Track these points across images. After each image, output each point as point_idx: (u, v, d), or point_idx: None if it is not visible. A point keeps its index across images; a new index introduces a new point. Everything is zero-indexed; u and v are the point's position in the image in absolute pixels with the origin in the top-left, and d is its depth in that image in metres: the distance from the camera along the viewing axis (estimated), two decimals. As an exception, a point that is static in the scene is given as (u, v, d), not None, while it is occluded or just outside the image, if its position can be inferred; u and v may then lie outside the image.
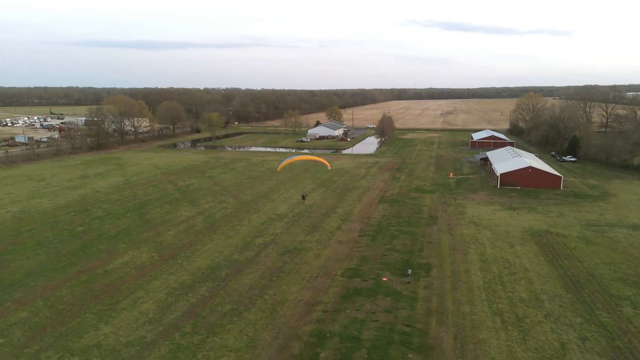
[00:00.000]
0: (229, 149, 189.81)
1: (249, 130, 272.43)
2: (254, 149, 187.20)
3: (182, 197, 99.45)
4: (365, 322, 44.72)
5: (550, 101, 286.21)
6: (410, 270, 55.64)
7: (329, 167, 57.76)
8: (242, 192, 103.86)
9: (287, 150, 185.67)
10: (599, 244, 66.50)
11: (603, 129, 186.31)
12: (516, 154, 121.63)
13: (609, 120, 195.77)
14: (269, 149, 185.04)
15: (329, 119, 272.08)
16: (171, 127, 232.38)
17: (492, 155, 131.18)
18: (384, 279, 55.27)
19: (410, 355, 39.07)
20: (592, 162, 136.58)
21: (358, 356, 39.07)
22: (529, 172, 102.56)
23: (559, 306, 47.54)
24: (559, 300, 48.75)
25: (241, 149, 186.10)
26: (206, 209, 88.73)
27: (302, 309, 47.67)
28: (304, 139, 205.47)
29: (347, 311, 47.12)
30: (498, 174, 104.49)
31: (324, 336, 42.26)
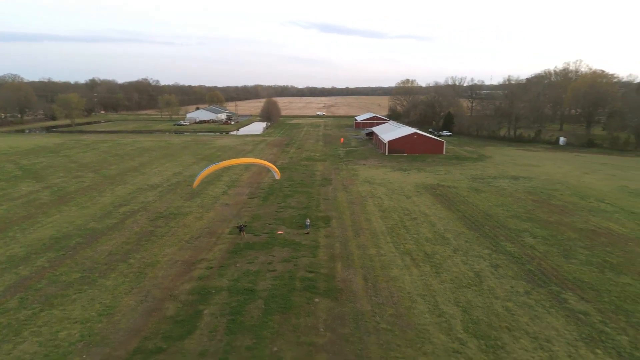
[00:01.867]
0: (92, 134, 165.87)
1: (118, 118, 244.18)
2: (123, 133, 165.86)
3: (24, 174, 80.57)
4: (260, 273, 36.64)
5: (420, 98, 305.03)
6: (308, 221, 48.85)
7: (278, 176, 43.69)
8: (105, 167, 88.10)
9: (165, 133, 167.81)
10: (487, 191, 67.06)
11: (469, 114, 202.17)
12: (400, 126, 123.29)
13: (473, 106, 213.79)
14: (142, 133, 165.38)
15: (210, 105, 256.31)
16: (19, 115, 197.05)
17: (378, 129, 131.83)
18: (280, 232, 47.70)
19: (317, 300, 32.05)
20: (466, 136, 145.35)
21: (254, 307, 30.87)
22: (414, 139, 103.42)
23: (465, 242, 44.65)
24: (464, 237, 45.97)
25: (107, 133, 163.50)
26: (56, 184, 72.29)
27: (179, 269, 37.86)
28: (182, 122, 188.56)
29: (237, 265, 38.53)
30: (386, 142, 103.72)
31: (208, 292, 33.24)
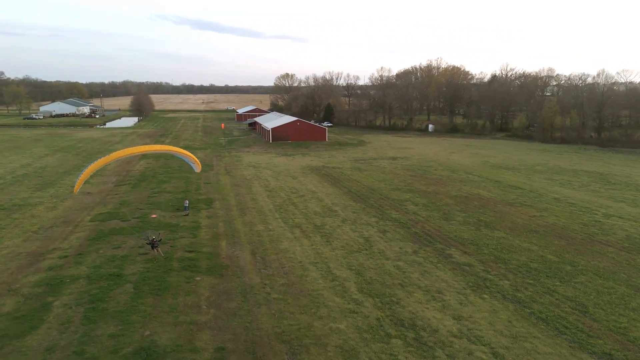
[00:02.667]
0: None
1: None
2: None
3: None
4: (129, 257, 31.39)
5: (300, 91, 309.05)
6: (187, 202, 44.11)
7: (199, 168, 33.25)
8: None
9: (11, 128, 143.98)
10: (369, 170, 68.58)
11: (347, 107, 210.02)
12: (283, 115, 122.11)
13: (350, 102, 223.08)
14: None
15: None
16: None
17: (261, 118, 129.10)
18: (153, 215, 42.24)
19: (198, 278, 28.17)
20: (345, 126, 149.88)
21: (120, 292, 25.89)
22: (297, 126, 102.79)
23: (352, 212, 44.18)
24: (351, 209, 45.54)
25: None
26: None
27: (22, 261, 30.74)
28: (34, 115, 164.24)
29: (100, 251, 32.66)
30: (269, 129, 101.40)
31: (61, 282, 27.24)
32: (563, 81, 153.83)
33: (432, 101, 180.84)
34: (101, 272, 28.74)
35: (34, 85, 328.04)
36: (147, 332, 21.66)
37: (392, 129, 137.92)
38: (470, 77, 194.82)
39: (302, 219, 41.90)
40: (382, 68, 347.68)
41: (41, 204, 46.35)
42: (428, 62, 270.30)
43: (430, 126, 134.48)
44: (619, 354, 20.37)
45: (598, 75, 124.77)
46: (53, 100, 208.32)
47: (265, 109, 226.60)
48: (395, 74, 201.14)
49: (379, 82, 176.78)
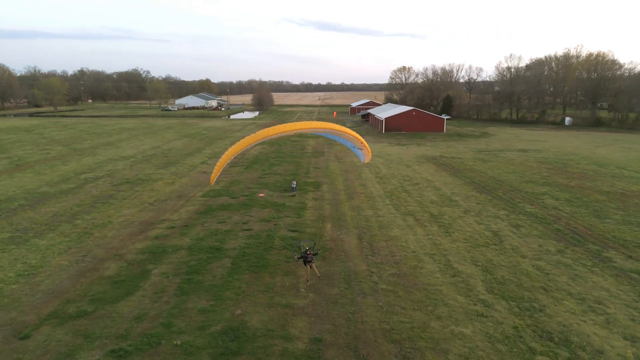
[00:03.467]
0: (73, 118, 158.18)
1: (105, 106, 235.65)
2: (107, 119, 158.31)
3: (-12, 147, 73.57)
4: (232, 232, 30.04)
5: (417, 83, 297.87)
6: (294, 182, 42.25)
7: (368, 157, 24.78)
8: (77, 142, 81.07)
9: (150, 117, 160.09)
10: (495, 161, 60.76)
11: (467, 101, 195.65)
12: (397, 106, 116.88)
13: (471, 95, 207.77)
14: (126, 118, 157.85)
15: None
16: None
17: (374, 110, 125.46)
18: (261, 194, 41.10)
19: (298, 258, 25.50)
20: (465, 119, 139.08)
21: (218, 266, 24.28)
22: (412, 115, 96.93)
23: (476, 204, 38.26)
24: (474, 200, 39.58)
25: (90, 117, 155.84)
26: (17, 155, 65.34)
27: (133, 229, 31.15)
28: (169, 107, 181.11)
29: (205, 224, 31.90)
30: (382, 119, 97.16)
31: (163, 251, 26.60)
32: None
33: (569, 94, 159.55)
34: (203, 244, 27.62)
35: (173, 83, 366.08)
36: (239, 311, 19.35)
37: (521, 122, 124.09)
38: (617, 66, 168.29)
39: (416, 207, 37.27)
40: (510, 56, 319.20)
41: (161, 179, 48.28)
42: (565, 50, 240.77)
43: (568, 119, 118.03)
44: None
45: None
46: (187, 95, 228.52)
47: (380, 102, 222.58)
48: (525, 64, 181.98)
49: (506, 72, 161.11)
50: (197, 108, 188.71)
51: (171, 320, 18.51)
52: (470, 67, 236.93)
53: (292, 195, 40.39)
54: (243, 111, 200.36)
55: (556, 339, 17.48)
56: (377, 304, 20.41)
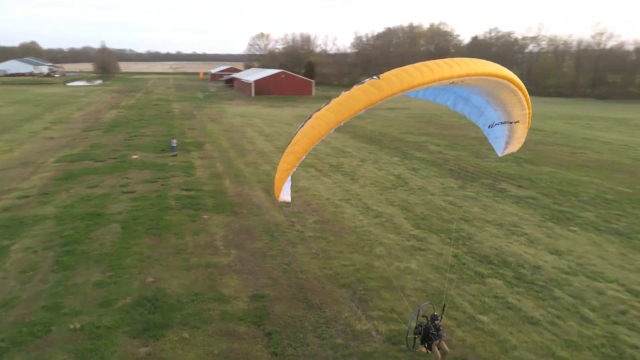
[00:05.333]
0: None
1: None
2: None
3: None
4: (111, 196, 24.62)
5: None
6: (174, 141, 37.08)
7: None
8: None
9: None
10: (371, 118, 62.29)
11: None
12: (264, 69, 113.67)
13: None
14: None
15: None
16: None
17: (240, 74, 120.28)
18: (134, 156, 35.11)
19: (206, 216, 21.81)
20: (327, 85, 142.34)
21: (105, 233, 19.34)
22: (282, 78, 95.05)
23: (369, 153, 38.34)
24: (366, 150, 39.67)
25: None
26: None
27: (-33, 203, 23.52)
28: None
29: (72, 190, 25.67)
30: (251, 82, 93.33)
31: (20, 223, 20.37)
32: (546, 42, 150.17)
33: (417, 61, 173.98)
34: (75, 211, 21.93)
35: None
36: (150, 279, 15.33)
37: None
38: (451, 37, 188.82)
39: (314, 159, 35.66)
40: (364, 25, 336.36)
41: (-7, 148, 38.31)
42: (409, 24, 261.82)
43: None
44: None
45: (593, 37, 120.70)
46: (6, 59, 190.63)
47: (241, 69, 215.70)
48: (376, 34, 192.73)
49: (359, 43, 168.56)
50: (24, 75, 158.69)
51: (58, 301, 13.72)
52: (326, 36, 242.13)
53: (174, 155, 35.34)
54: (83, 78, 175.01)
55: (495, 261, 17.46)
56: (310, 251, 18.21)
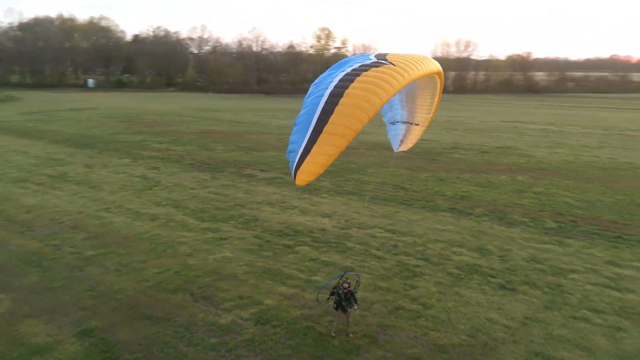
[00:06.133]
0: None
1: None
2: None
3: None
4: None
5: None
6: None
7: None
8: None
9: None
10: (56, 121, 53.71)
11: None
12: None
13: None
14: None
15: None
16: None
17: None
18: None
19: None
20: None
21: None
22: None
23: (89, 157, 33.85)
24: (83, 155, 34.72)
25: None
26: None
27: None
28: None
29: None
30: None
31: None
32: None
33: (85, 60, 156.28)
34: None
35: None
36: None
37: (41, 86, 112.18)
38: (110, 32, 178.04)
39: (22, 173, 28.79)
40: (10, 9, 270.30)
41: None
42: (59, 15, 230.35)
43: (90, 81, 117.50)
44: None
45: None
46: None
47: None
48: (18, 23, 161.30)
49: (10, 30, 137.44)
50: None
51: None
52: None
53: None
54: None
55: (290, 233, 19.43)
56: (108, 269, 15.61)
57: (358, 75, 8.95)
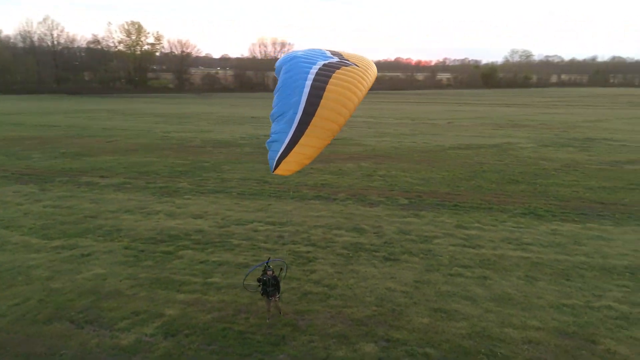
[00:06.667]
0: None
1: None
2: None
3: None
4: None
5: None
6: None
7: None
8: None
9: None
10: None
11: None
12: None
13: None
14: None
15: None
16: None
17: None
18: None
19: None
20: None
21: None
22: None
23: None
24: None
25: None
26: None
27: None
28: None
29: None
30: None
31: None
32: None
33: None
34: None
35: None
36: None
37: None
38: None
39: None
40: None
41: None
42: None
43: None
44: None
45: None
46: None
47: None
48: None
49: None
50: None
51: None
52: None
53: None
54: None
55: (165, 239, 17.82)
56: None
57: (333, 72, 9.14)
